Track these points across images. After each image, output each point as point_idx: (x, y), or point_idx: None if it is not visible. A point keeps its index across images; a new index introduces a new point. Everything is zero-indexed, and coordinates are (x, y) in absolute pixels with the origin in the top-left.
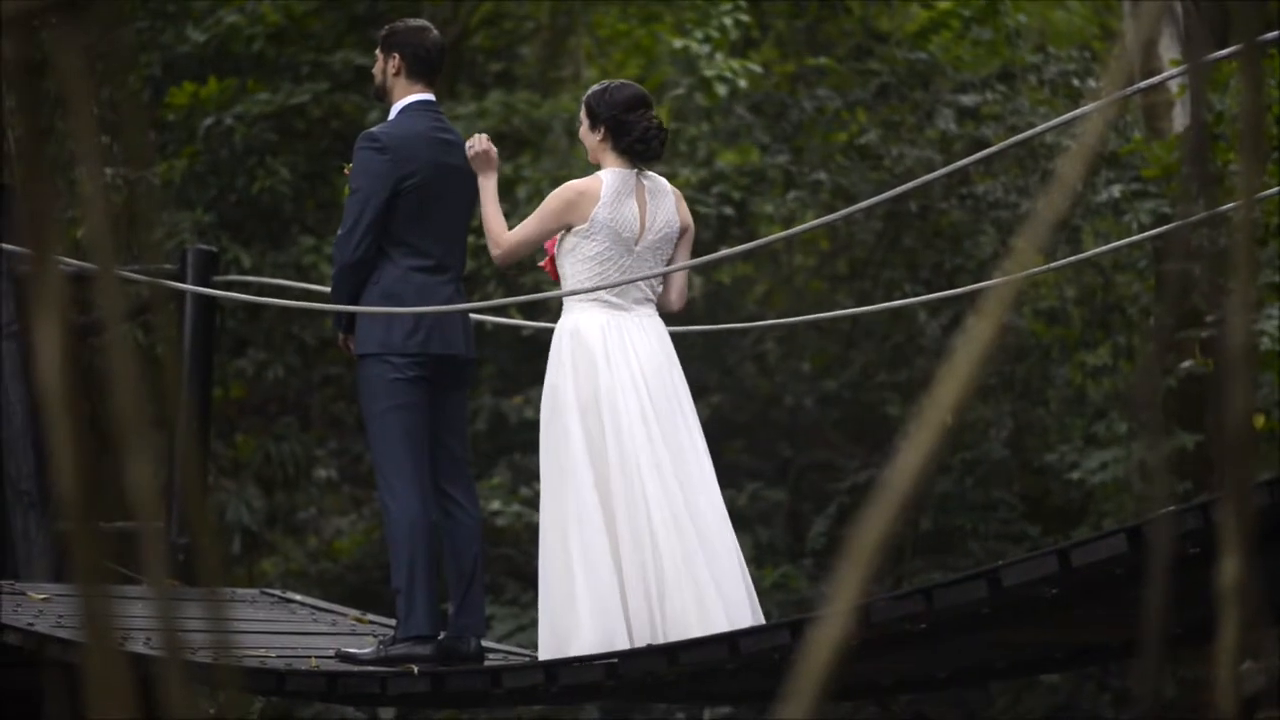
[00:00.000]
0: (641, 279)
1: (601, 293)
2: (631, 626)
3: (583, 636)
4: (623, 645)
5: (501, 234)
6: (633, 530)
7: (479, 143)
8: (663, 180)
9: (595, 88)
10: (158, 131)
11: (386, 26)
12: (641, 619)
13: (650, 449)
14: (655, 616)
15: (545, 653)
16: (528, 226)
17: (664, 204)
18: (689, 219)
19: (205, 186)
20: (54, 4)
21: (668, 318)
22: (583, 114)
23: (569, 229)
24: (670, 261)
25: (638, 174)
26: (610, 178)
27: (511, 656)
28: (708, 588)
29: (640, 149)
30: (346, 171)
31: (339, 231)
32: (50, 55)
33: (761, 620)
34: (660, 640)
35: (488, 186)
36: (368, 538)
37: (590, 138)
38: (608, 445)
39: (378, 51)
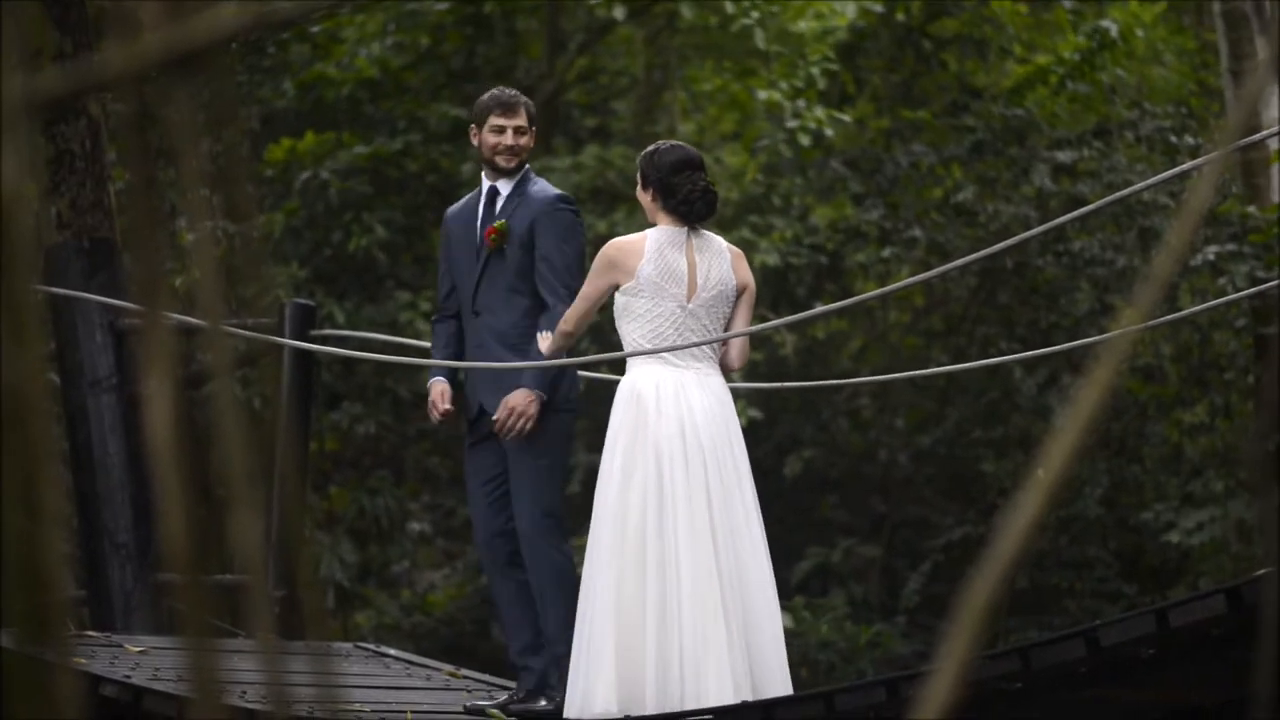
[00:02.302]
0: (704, 343)
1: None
2: (651, 691)
3: (602, 696)
4: (640, 710)
5: (566, 323)
6: (660, 595)
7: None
8: (718, 239)
9: (648, 149)
10: (255, 186)
11: (518, 98)
12: (663, 683)
13: (689, 507)
14: (675, 680)
15: (570, 709)
16: (585, 299)
17: (717, 262)
18: (748, 278)
19: (301, 241)
20: (163, 63)
21: (744, 374)
22: (637, 174)
23: (617, 288)
24: (729, 320)
25: (688, 232)
26: (656, 234)
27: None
28: (737, 653)
29: (684, 210)
30: (498, 228)
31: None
32: (154, 110)
33: (790, 689)
34: (681, 706)
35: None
36: (460, 591)
37: (643, 197)
38: (648, 503)
39: (525, 124)
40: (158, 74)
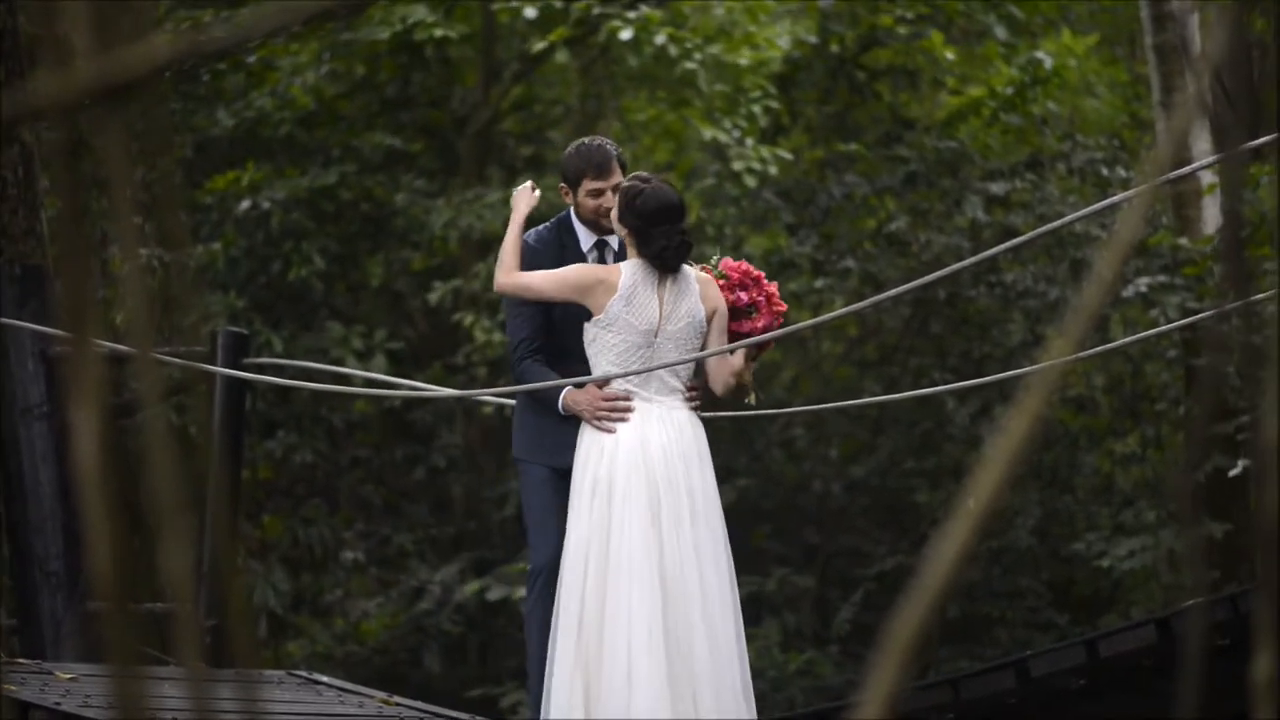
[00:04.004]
0: (658, 368)
1: (624, 384)
2: None
3: None
4: None
5: (514, 268)
6: (603, 632)
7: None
8: (688, 271)
9: (628, 187)
10: (190, 214)
11: (608, 155)
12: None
13: (643, 547)
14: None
15: None
16: (540, 281)
17: (687, 295)
18: (718, 301)
19: (238, 270)
20: (96, 91)
21: (711, 403)
22: (616, 204)
23: (589, 318)
24: (704, 347)
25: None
26: (630, 269)
27: None
28: (683, 693)
29: (658, 263)
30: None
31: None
32: (87, 138)
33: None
34: None
35: (518, 220)
36: (394, 620)
37: (619, 229)
38: (609, 538)
39: (621, 178)
40: (90, 103)
